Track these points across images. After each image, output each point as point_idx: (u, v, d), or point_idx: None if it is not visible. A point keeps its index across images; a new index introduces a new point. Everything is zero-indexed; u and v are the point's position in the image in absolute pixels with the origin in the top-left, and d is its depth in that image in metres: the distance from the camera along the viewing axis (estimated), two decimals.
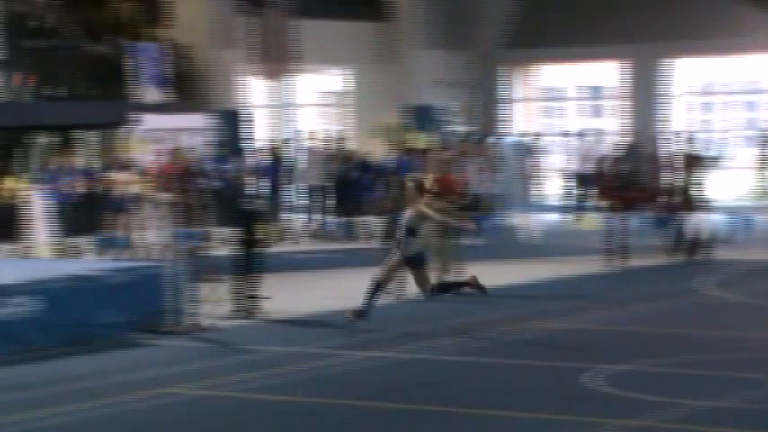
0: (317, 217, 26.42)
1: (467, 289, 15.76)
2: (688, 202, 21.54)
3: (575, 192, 29.26)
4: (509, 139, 31.04)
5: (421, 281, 15.35)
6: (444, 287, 15.75)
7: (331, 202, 26.79)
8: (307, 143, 27.80)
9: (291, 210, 26.72)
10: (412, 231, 15.15)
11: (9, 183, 22.78)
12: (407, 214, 15.20)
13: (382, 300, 17.43)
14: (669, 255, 21.07)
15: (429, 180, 18.49)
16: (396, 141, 27.70)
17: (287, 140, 28.23)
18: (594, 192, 29.07)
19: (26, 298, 14.12)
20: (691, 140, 24.74)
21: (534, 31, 31.80)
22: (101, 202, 23.03)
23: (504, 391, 11.79)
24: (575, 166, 29.17)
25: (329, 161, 27.04)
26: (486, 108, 32.31)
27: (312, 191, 26.48)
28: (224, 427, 10.73)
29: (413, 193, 15.35)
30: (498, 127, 32.17)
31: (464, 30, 31.58)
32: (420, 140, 27.99)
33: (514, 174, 29.17)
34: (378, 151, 27.90)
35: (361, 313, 15.18)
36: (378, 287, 15.32)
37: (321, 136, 28.73)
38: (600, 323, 15.55)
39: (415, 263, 15.25)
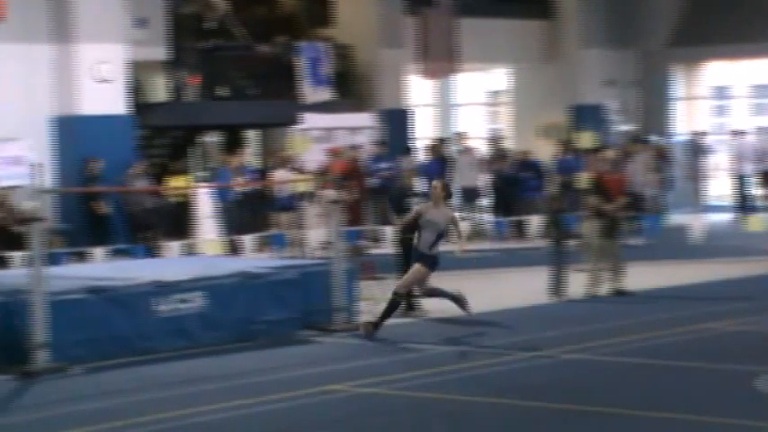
0: (476, 216, 26.38)
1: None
2: None
3: (742, 191, 28.66)
4: (678, 139, 30.55)
5: (417, 281, 15.17)
6: (434, 292, 15.57)
7: (490, 201, 26.74)
8: (463, 143, 27.75)
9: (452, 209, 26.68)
10: (441, 235, 15.11)
11: (178, 181, 23.27)
12: (437, 216, 15.07)
13: (546, 300, 17.37)
14: None
15: (589, 179, 18.38)
16: (561, 141, 27.49)
17: (445, 140, 28.22)
18: (763, 191, 28.50)
19: (194, 294, 14.41)
20: None
21: (701, 28, 31.21)
22: (265, 200, 23.37)
23: (672, 394, 11.59)
24: (743, 165, 28.57)
25: (489, 161, 26.98)
26: (652, 107, 31.82)
27: (468, 191, 26.43)
28: (385, 425, 10.78)
29: (440, 194, 15.24)
30: (665, 126, 31.67)
31: (629, 28, 31.16)
32: (584, 140, 27.72)
33: (683, 173, 28.70)
34: (542, 151, 27.72)
35: (460, 303, 15.42)
36: (445, 294, 15.48)
37: (479, 135, 28.57)
38: None
39: (431, 264, 15.12)
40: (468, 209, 26.53)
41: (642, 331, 14.75)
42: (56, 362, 13.08)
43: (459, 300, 15.69)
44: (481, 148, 28.22)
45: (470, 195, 26.52)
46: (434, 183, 15.69)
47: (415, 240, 15.37)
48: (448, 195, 15.54)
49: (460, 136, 28.61)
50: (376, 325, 14.96)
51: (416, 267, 15.15)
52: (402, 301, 15.35)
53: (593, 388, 11.95)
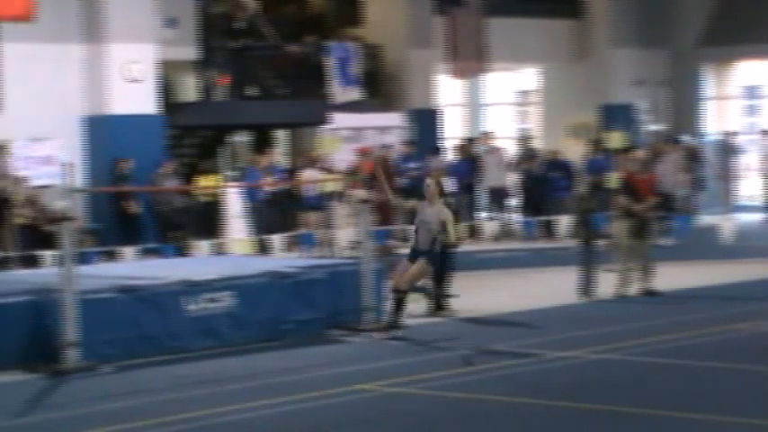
0: (505, 216, 26.36)
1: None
2: None
3: None
4: (708, 138, 30.41)
5: (420, 276, 15.10)
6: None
7: (518, 201, 26.70)
8: (489, 143, 27.68)
9: (481, 209, 26.69)
10: (438, 233, 15.01)
11: (207, 181, 23.34)
12: (430, 215, 14.97)
13: (575, 300, 17.33)
14: None
15: (619, 179, 18.32)
16: (591, 140, 27.43)
17: (474, 140, 28.16)
18: None
19: (224, 294, 14.44)
20: None
21: (732, 27, 31.07)
22: (294, 199, 23.41)
23: (701, 394, 11.55)
24: None
25: (518, 160, 26.94)
26: (682, 106, 31.71)
27: (495, 190, 26.37)
28: (414, 425, 10.78)
29: (434, 192, 15.11)
30: (695, 126, 31.55)
31: (659, 27, 31.06)
32: (614, 139, 27.64)
33: (713, 173, 28.57)
34: (570, 150, 27.66)
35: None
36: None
37: (508, 135, 28.42)
38: None
39: (435, 261, 15.07)
40: (497, 209, 26.50)
41: (672, 331, 14.70)
42: (86, 360, 13.14)
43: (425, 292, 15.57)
44: (510, 147, 28.16)
45: (498, 195, 26.47)
46: (428, 181, 15.57)
47: (413, 240, 15.25)
48: (442, 193, 15.43)
49: (486, 136, 28.56)
50: (389, 327, 14.91)
51: (421, 263, 15.01)
52: (406, 297, 15.19)
53: (623, 388, 11.92)
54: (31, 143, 21.80)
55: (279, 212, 23.21)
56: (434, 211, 15.08)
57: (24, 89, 21.75)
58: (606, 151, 26.59)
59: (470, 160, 26.08)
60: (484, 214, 26.48)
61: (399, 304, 14.97)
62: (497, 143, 27.98)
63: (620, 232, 17.65)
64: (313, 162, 23.70)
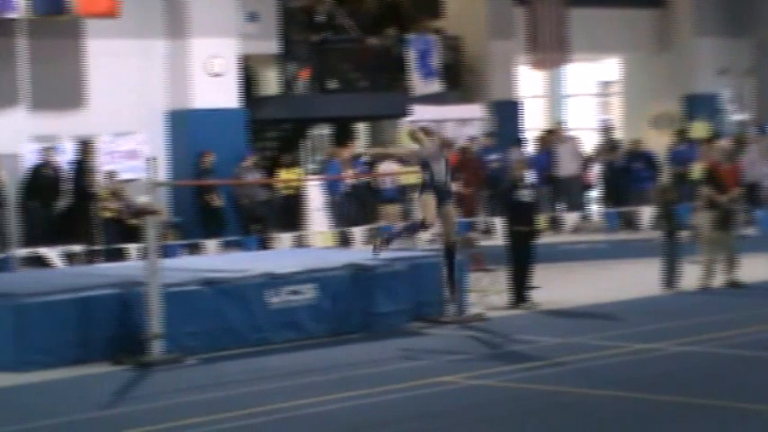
0: (587, 208, 26.16)
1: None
2: None
3: None
4: None
5: (452, 224, 15.14)
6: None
7: (599, 192, 26.49)
8: (562, 133, 27.45)
9: (561, 200, 26.52)
10: (447, 168, 15.06)
11: (288, 174, 23.48)
12: (432, 145, 15.05)
13: (658, 292, 17.19)
14: None
15: (703, 170, 18.16)
16: (675, 131, 27.16)
17: (552, 131, 27.94)
18: None
19: (305, 286, 14.54)
20: None
21: None
22: (373, 192, 23.47)
23: None
24: None
25: (599, 151, 26.75)
26: (767, 96, 31.28)
27: (568, 180, 26.13)
28: (496, 417, 10.78)
29: (417, 134, 15.24)
30: None
31: (743, 15, 30.66)
32: (698, 130, 27.37)
33: None
34: (653, 141, 27.41)
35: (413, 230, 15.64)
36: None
37: (588, 126, 28.13)
38: None
39: (449, 198, 15.08)
40: (571, 199, 26.20)
41: (756, 324, 14.55)
42: (171, 353, 13.30)
43: (413, 228, 15.74)
44: (591, 138, 27.93)
45: (571, 185, 26.15)
46: (407, 127, 15.60)
47: (428, 178, 14.97)
48: (427, 132, 15.46)
49: (559, 125, 28.29)
50: (453, 289, 15.08)
51: (445, 213, 15.01)
52: (455, 247, 15.24)
53: (706, 381, 11.82)
54: (115, 138, 22.08)
55: (359, 205, 23.28)
56: (432, 143, 15.13)
57: (109, 85, 22.06)
58: (690, 142, 26.33)
59: (549, 152, 25.94)
60: (563, 206, 26.31)
61: (451, 258, 15.07)
62: (576, 133, 27.77)
63: (704, 223, 17.50)
64: (390, 154, 23.69)
